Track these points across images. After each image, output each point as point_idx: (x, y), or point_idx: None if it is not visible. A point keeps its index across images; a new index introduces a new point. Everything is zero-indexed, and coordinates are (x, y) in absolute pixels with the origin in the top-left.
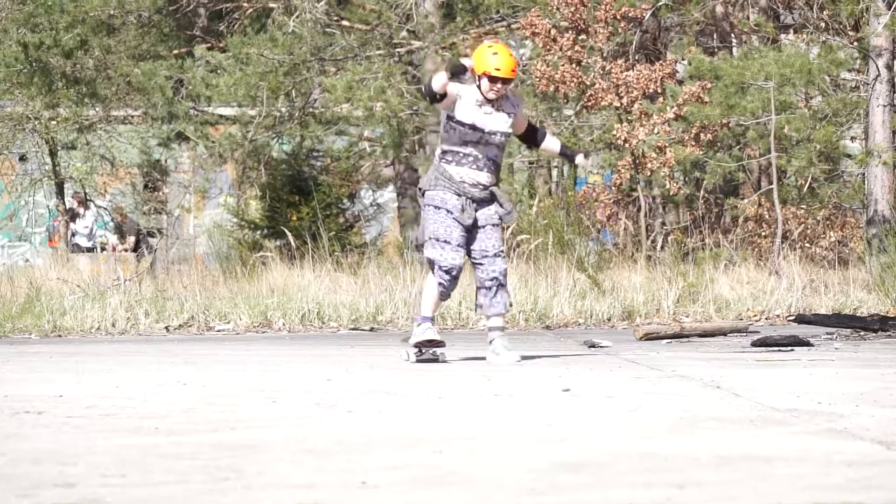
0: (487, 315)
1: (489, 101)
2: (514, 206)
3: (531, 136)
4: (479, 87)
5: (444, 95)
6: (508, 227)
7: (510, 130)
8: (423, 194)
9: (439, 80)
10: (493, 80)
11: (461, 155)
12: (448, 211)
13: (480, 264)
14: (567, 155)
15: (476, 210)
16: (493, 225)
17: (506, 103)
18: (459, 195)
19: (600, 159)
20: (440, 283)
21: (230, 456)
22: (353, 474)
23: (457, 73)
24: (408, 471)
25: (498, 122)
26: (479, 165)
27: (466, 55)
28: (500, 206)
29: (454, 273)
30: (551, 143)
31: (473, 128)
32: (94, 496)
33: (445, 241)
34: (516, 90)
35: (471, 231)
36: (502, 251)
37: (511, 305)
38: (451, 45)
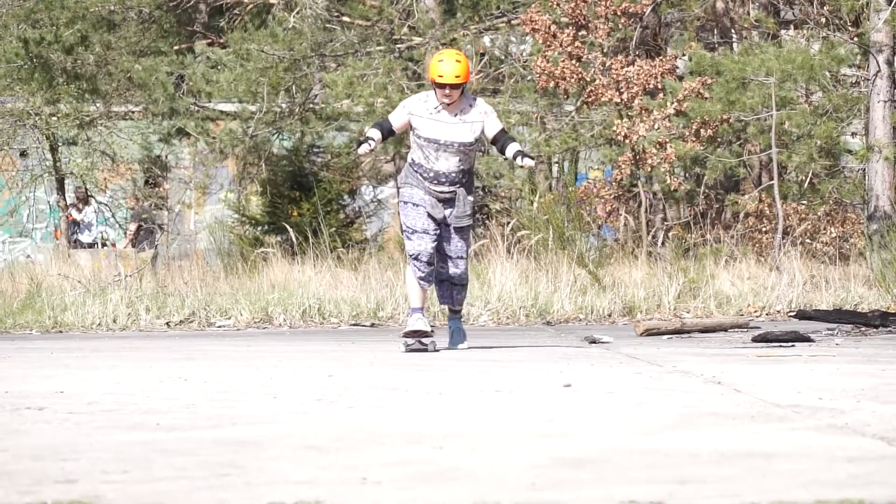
0: (442, 303)
1: (448, 106)
2: (473, 212)
3: (496, 144)
4: (435, 94)
5: (391, 131)
6: (508, 219)
7: (472, 140)
8: (398, 190)
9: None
10: (439, 86)
11: (424, 168)
12: (415, 205)
13: (443, 265)
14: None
15: (445, 208)
16: (460, 227)
17: (470, 111)
18: (427, 193)
19: (601, 155)
20: (414, 270)
21: (231, 452)
22: (354, 470)
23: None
24: (409, 467)
25: (457, 133)
26: (440, 180)
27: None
28: (461, 206)
29: (424, 258)
30: (508, 152)
31: (429, 140)
32: (96, 492)
33: (413, 231)
34: (512, 80)
35: (441, 225)
36: (464, 256)
37: (460, 303)
38: (451, 41)
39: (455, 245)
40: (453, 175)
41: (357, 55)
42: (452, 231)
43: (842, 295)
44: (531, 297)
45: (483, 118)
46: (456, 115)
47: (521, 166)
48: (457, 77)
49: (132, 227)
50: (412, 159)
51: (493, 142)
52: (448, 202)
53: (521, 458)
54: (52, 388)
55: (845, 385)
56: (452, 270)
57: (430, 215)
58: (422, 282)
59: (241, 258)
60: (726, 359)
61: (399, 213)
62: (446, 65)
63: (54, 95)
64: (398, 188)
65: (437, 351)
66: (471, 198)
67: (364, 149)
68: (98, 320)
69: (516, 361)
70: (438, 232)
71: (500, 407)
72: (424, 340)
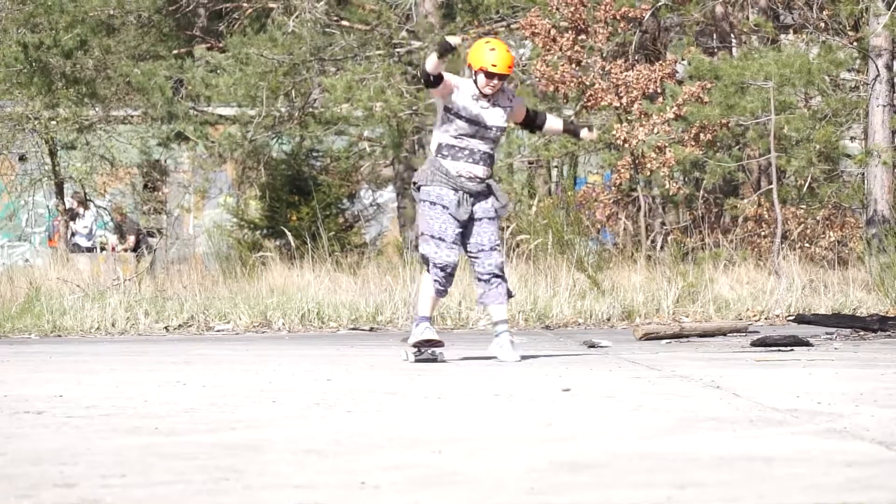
0: (487, 303)
1: (485, 96)
2: (509, 201)
3: (531, 122)
4: (475, 81)
5: (438, 79)
6: (507, 223)
7: (506, 125)
8: (418, 189)
9: (431, 61)
10: (489, 75)
11: (457, 149)
12: (444, 207)
13: (476, 258)
14: (571, 131)
15: (472, 204)
16: (490, 219)
17: (501, 97)
18: (456, 190)
19: (600, 159)
20: (436, 281)
21: (230, 456)
22: (353, 474)
23: (444, 51)
24: (408, 471)
25: (494, 117)
26: (474, 159)
27: (453, 34)
28: (497, 199)
29: (449, 270)
30: (553, 124)
31: (471, 121)
32: (94, 496)
33: (440, 239)
34: (511, 85)
35: (466, 225)
36: (498, 245)
37: (512, 295)
38: None
39: (490, 236)
40: (486, 157)
41: (356, 59)
42: (484, 221)
43: (840, 299)
44: (530, 302)
45: (512, 103)
46: (489, 99)
47: (585, 138)
48: (509, 68)
49: (131, 238)
50: (441, 143)
51: (527, 122)
52: (478, 196)
53: (519, 462)
54: (51, 392)
55: (844, 389)
56: (489, 262)
57: (454, 217)
58: (440, 292)
59: (240, 262)
60: (725, 363)
61: (421, 213)
62: (499, 54)
63: (53, 100)
64: (418, 187)
65: (446, 361)
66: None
67: (455, 40)
68: (97, 324)
69: (515, 365)
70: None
71: (498, 411)
72: (436, 350)
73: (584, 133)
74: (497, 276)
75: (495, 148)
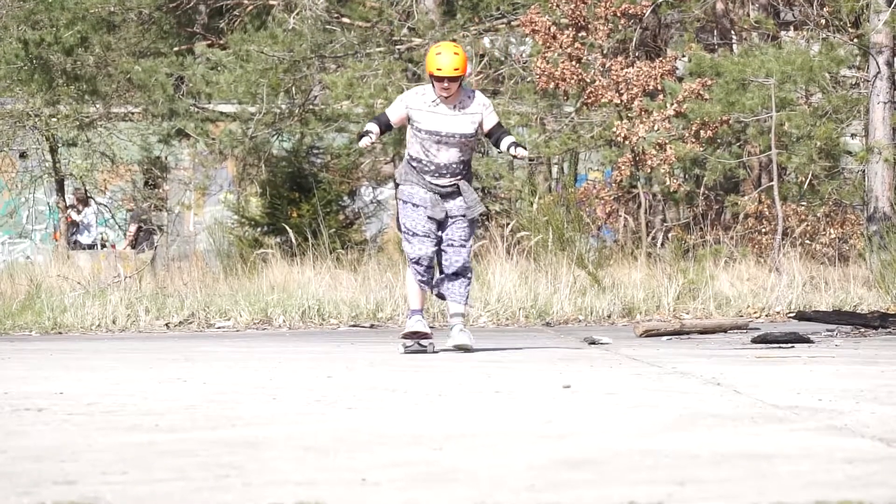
0: (446, 297)
1: (446, 99)
2: (479, 202)
3: (493, 137)
4: (433, 87)
5: (389, 125)
6: (507, 220)
7: (473, 131)
8: (397, 186)
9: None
10: (437, 79)
11: (423, 163)
12: (415, 205)
13: (444, 252)
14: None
15: (445, 202)
16: (463, 216)
17: (470, 104)
18: (427, 190)
19: (601, 156)
20: (415, 273)
21: (230, 453)
22: (354, 472)
23: (359, 138)
24: (408, 468)
25: (457, 125)
26: (440, 173)
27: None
28: (464, 200)
29: (424, 262)
30: (502, 145)
31: (430, 132)
32: (95, 493)
33: (413, 234)
34: (511, 81)
35: (444, 222)
36: (468, 243)
37: (467, 300)
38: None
39: (460, 231)
40: (454, 167)
41: (357, 56)
42: (459, 220)
43: (841, 296)
44: (531, 299)
45: (482, 110)
46: (454, 107)
47: (515, 156)
48: (455, 70)
49: (132, 228)
50: (410, 155)
51: (489, 135)
52: (449, 196)
53: (520, 459)
54: (52, 390)
55: (845, 386)
56: (455, 258)
57: (430, 217)
58: (422, 283)
59: (241, 259)
60: (726, 360)
61: (398, 211)
62: (444, 57)
63: (54, 97)
64: (396, 184)
65: (436, 352)
66: (473, 186)
67: (365, 142)
68: (97, 321)
69: (516, 362)
70: (439, 235)
71: (499, 408)
72: (423, 342)
73: (512, 150)
74: (459, 273)
75: (465, 152)
